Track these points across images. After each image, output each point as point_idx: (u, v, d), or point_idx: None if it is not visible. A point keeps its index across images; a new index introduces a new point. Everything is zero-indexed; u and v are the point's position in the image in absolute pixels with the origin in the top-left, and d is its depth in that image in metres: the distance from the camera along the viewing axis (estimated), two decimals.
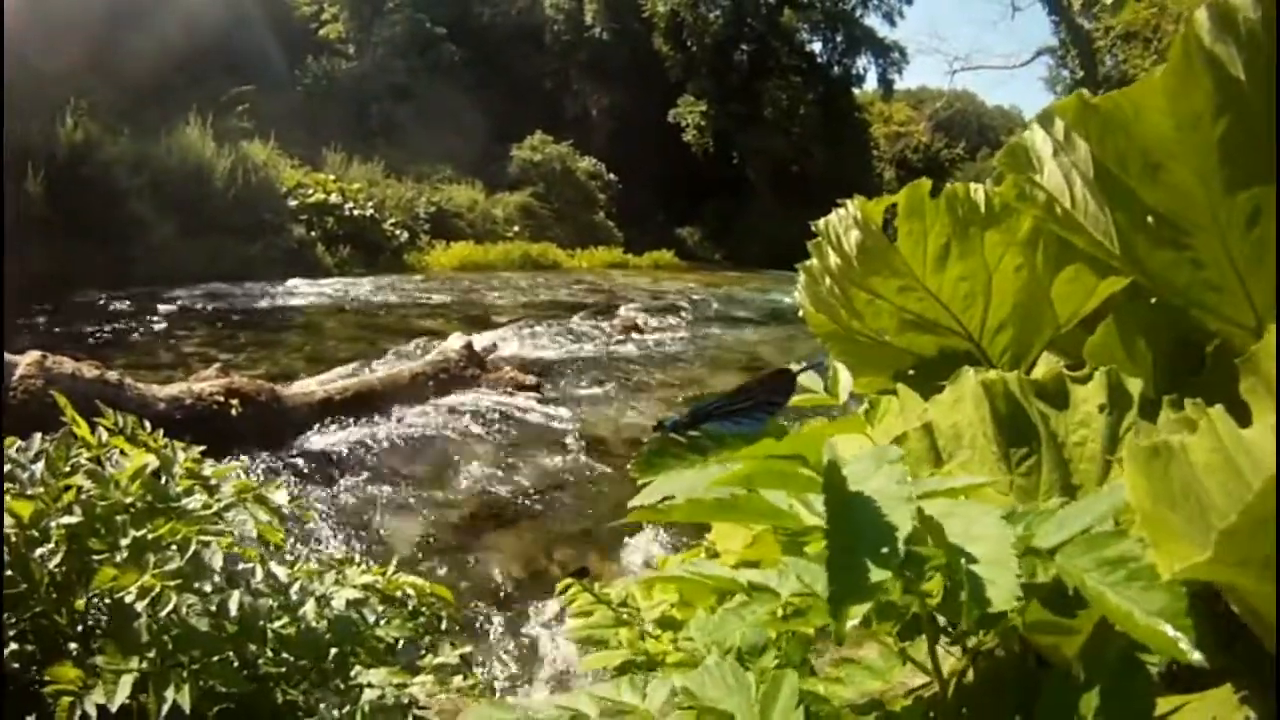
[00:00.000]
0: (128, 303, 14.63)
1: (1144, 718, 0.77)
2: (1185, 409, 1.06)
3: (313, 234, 23.16)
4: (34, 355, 6.71)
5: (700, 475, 0.90)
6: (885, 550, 0.69)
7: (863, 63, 50.94)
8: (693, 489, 0.86)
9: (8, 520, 1.74)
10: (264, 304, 16.33)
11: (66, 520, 1.77)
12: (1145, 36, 32.56)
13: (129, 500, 1.83)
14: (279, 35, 32.30)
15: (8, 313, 10.99)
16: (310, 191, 24.21)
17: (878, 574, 0.68)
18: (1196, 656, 0.65)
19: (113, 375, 7.16)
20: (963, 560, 0.75)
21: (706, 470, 0.90)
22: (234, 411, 7.53)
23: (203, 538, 1.80)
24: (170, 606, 1.67)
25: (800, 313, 2.29)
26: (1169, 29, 30.48)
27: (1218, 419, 0.81)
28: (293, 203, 23.50)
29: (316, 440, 7.98)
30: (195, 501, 1.89)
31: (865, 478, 0.77)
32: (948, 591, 0.84)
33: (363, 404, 8.82)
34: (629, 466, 0.96)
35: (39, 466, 1.90)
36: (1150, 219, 1.37)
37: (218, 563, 1.79)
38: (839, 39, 49.93)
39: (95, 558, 1.77)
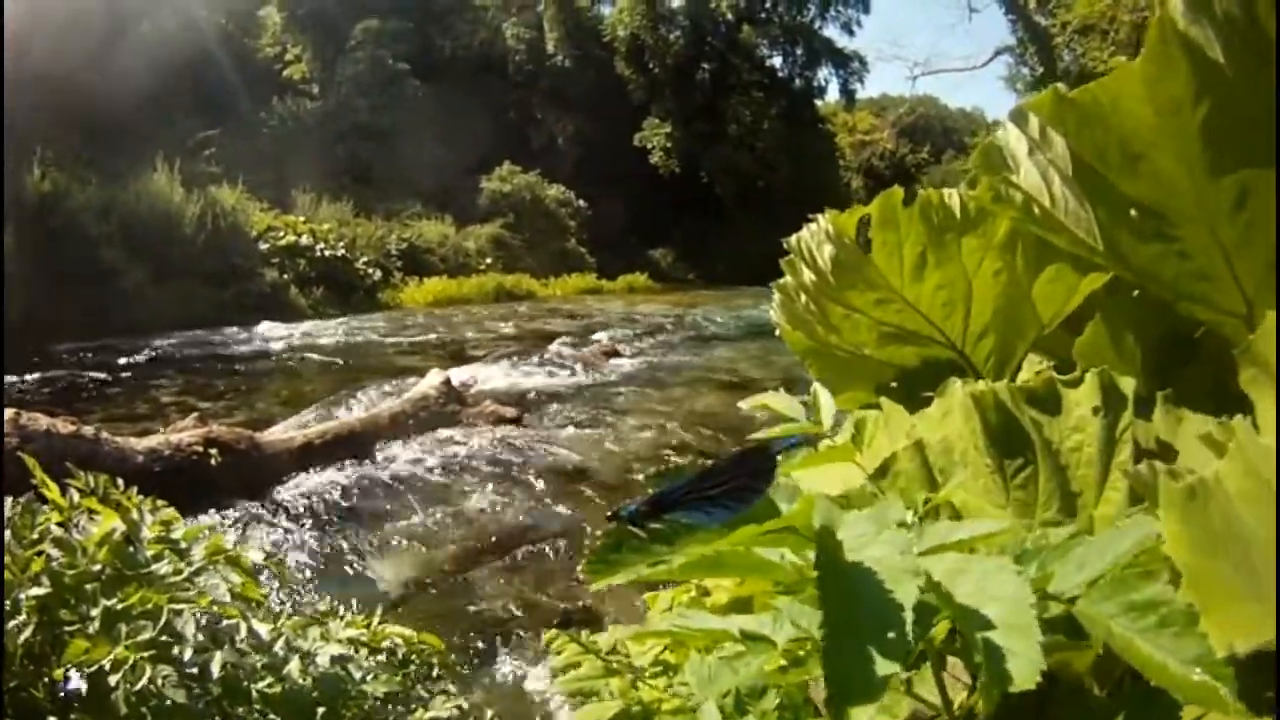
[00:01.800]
0: (102, 353, 14.54)
1: None
2: (1203, 423, 1.02)
3: (285, 277, 23.12)
4: (8, 413, 6.62)
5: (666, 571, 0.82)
6: (891, 636, 0.62)
7: (824, 74, 51.53)
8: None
9: None
10: (239, 349, 16.25)
11: (35, 591, 1.71)
12: (1102, 29, 32.89)
13: (98, 567, 1.77)
14: (243, 77, 32.33)
15: None
16: (281, 234, 24.19)
17: (885, 666, 0.61)
18: (1241, 708, 0.60)
19: (88, 430, 7.07)
20: (977, 628, 0.67)
21: (675, 565, 0.82)
22: (213, 461, 7.45)
23: (174, 605, 1.74)
24: (145, 679, 1.61)
25: (777, 331, 2.25)
26: (1125, 20, 30.82)
27: (1243, 436, 0.76)
28: (264, 246, 23.48)
29: (298, 486, 7.89)
30: (165, 566, 1.84)
31: (864, 545, 0.71)
32: (953, 636, 0.79)
33: (343, 447, 8.74)
34: (579, 569, 0.86)
35: (5, 535, 1.84)
36: (1133, 211, 1.35)
37: (190, 630, 1.73)
38: (799, 52, 50.37)
39: (67, 629, 1.71)
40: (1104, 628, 0.69)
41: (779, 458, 1.00)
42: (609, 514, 0.93)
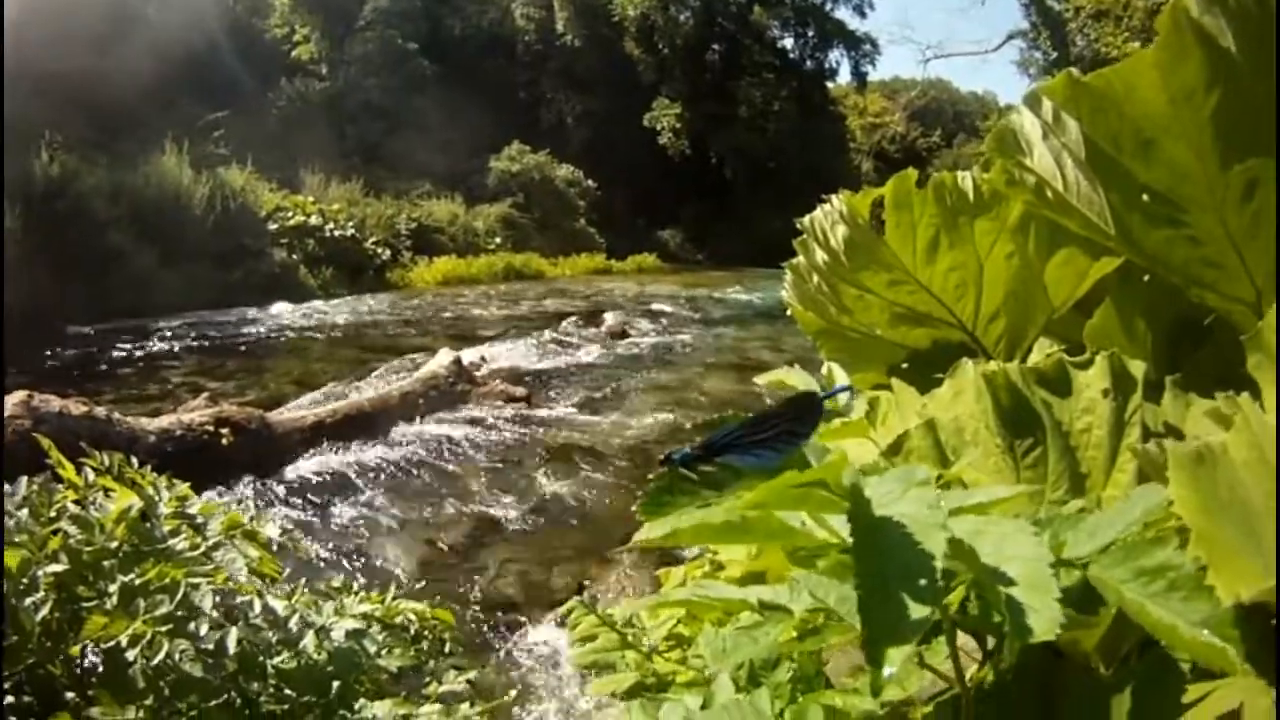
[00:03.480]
0: (113, 335, 14.53)
1: (1176, 713, 0.75)
2: (1202, 397, 1.03)
3: (294, 257, 23.06)
4: (20, 395, 6.64)
5: (715, 515, 0.82)
6: (923, 583, 0.64)
7: (835, 56, 51.24)
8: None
9: None
10: (249, 330, 16.23)
11: (54, 568, 1.73)
12: (1115, 15, 32.66)
13: (115, 544, 1.79)
14: (251, 59, 32.22)
15: None
16: (290, 214, 24.12)
17: (917, 610, 0.62)
18: (1248, 669, 0.62)
19: (101, 411, 7.09)
20: (999, 585, 0.69)
21: (722, 509, 0.82)
22: (225, 441, 7.47)
23: (192, 580, 1.75)
24: (163, 653, 1.63)
25: (788, 311, 2.26)
26: (1139, 5, 30.62)
27: (1249, 411, 0.77)
28: (273, 226, 23.40)
29: (309, 465, 7.92)
30: (182, 542, 1.85)
31: (892, 501, 0.72)
32: (967, 602, 0.80)
33: (354, 426, 8.76)
34: (634, 508, 0.87)
35: (24, 513, 1.85)
36: (1145, 197, 1.35)
37: (208, 604, 1.75)
38: (810, 34, 50.07)
39: (84, 605, 1.72)
40: (1116, 592, 0.71)
41: (824, 404, 1.03)
42: (661, 458, 0.95)
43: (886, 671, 0.60)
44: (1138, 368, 1.26)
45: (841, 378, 1.43)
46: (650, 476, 0.91)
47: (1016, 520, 0.75)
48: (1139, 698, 0.76)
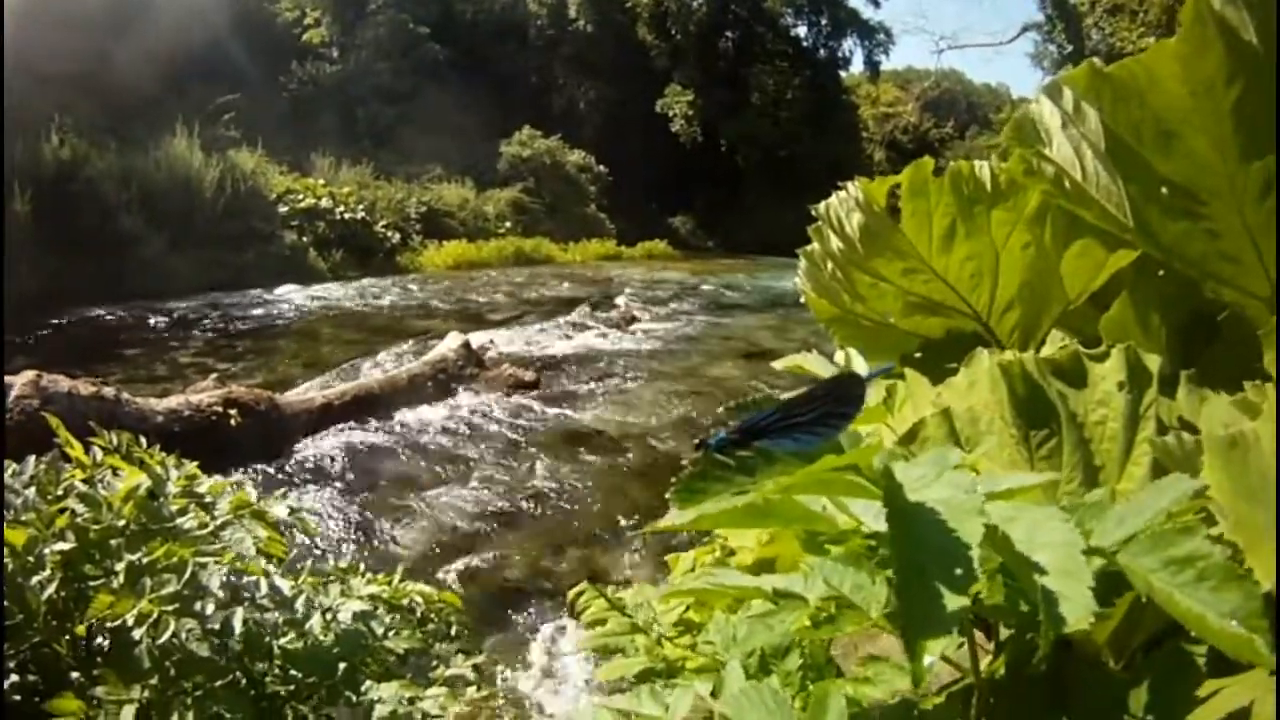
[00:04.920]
0: (122, 317, 14.58)
1: (1191, 710, 0.74)
2: (1226, 403, 1.02)
3: (304, 239, 23.08)
4: (29, 375, 6.66)
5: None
6: (959, 571, 0.63)
7: (848, 45, 51.03)
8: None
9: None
10: (259, 312, 16.26)
11: (60, 546, 1.73)
12: (1131, 9, 32.50)
13: (122, 523, 1.79)
14: (262, 42, 32.16)
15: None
16: (300, 197, 24.12)
17: (954, 601, 0.61)
18: (1275, 660, 0.61)
19: (109, 391, 7.11)
20: (1032, 572, 0.68)
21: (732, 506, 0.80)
22: (233, 422, 7.49)
23: (199, 559, 1.75)
24: (169, 632, 1.63)
25: (801, 298, 2.25)
26: (1155, 0, 30.47)
27: (1274, 401, 0.77)
28: (283, 209, 23.40)
29: (317, 447, 7.94)
30: (190, 521, 1.85)
31: (925, 485, 0.71)
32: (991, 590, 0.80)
33: (362, 408, 8.79)
34: (668, 495, 0.84)
35: (31, 492, 1.85)
36: (1164, 189, 1.34)
37: (215, 584, 1.74)
38: (824, 22, 49.89)
39: (91, 584, 1.72)
40: (1145, 581, 0.70)
41: (866, 384, 0.99)
42: (696, 443, 0.91)
43: (927, 661, 0.60)
44: (1153, 361, 1.26)
45: (860, 364, 1.41)
46: (685, 461, 0.88)
47: (1048, 507, 0.74)
48: (1155, 693, 0.75)
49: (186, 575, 1.70)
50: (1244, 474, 0.71)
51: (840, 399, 0.91)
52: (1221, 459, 0.72)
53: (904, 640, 0.61)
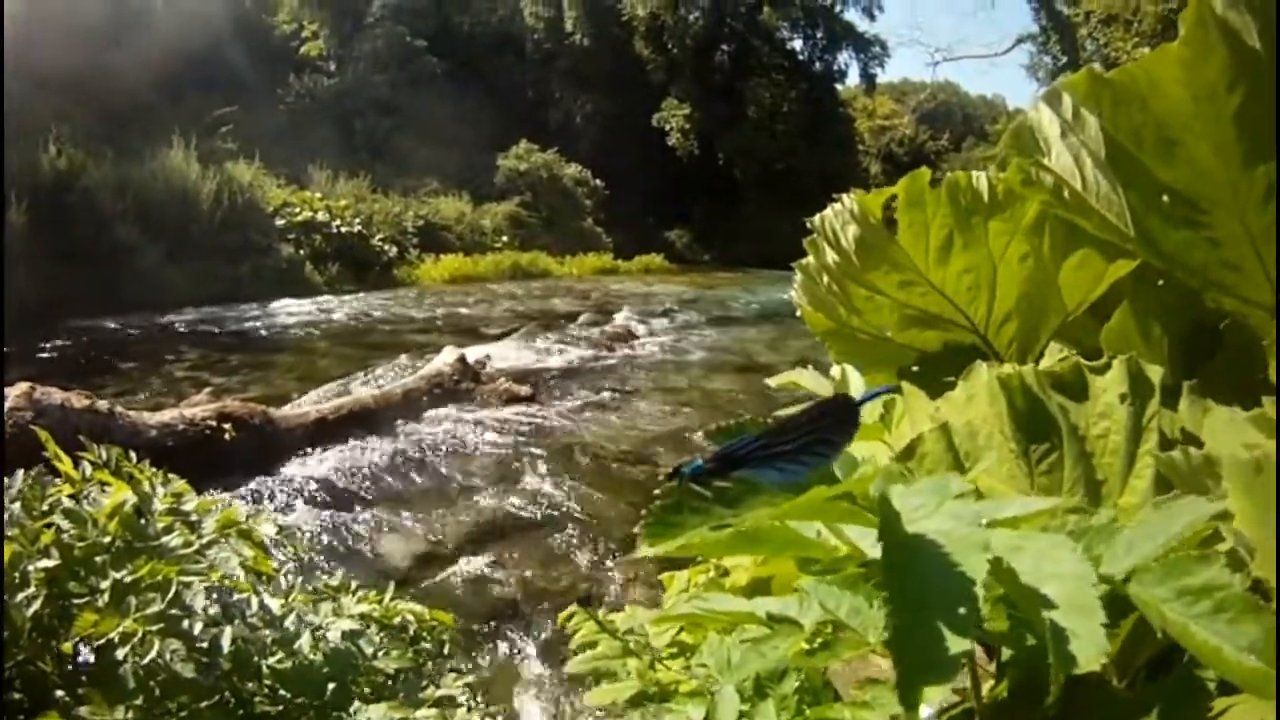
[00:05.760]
0: (117, 329, 14.57)
1: None
2: (1229, 414, 1.00)
3: (301, 253, 23.10)
4: (22, 387, 6.63)
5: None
6: (962, 611, 0.58)
7: (844, 58, 51.30)
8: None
9: None
10: (254, 325, 16.25)
11: (45, 563, 1.70)
12: (1125, 19, 32.67)
13: (108, 539, 1.76)
14: (260, 54, 32.28)
15: None
16: (297, 210, 24.15)
17: (956, 644, 0.57)
18: None
19: (103, 404, 7.08)
20: (1039, 607, 0.63)
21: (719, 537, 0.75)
22: (227, 436, 7.46)
23: (184, 578, 1.73)
24: (154, 652, 1.60)
25: (797, 312, 2.23)
26: (1149, 10, 30.61)
27: None
28: (280, 222, 23.43)
29: (311, 461, 7.91)
30: (176, 539, 1.83)
31: (925, 515, 0.68)
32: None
33: (357, 422, 8.76)
34: (636, 530, 0.78)
35: (16, 507, 1.83)
36: (1165, 197, 1.32)
37: (200, 603, 1.72)
38: (819, 35, 50.13)
39: (76, 602, 1.70)
40: (1157, 611, 0.66)
41: (859, 409, 0.92)
42: (670, 471, 0.84)
43: (924, 713, 0.56)
44: (1155, 372, 1.24)
45: (856, 380, 1.39)
46: (656, 492, 0.81)
47: (1055, 535, 0.71)
48: (1165, 717, 0.72)
49: (171, 594, 1.68)
50: (1266, 499, 0.68)
51: (830, 425, 0.85)
52: (1246, 484, 0.68)
53: (898, 686, 0.57)
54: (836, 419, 0.85)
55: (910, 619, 0.59)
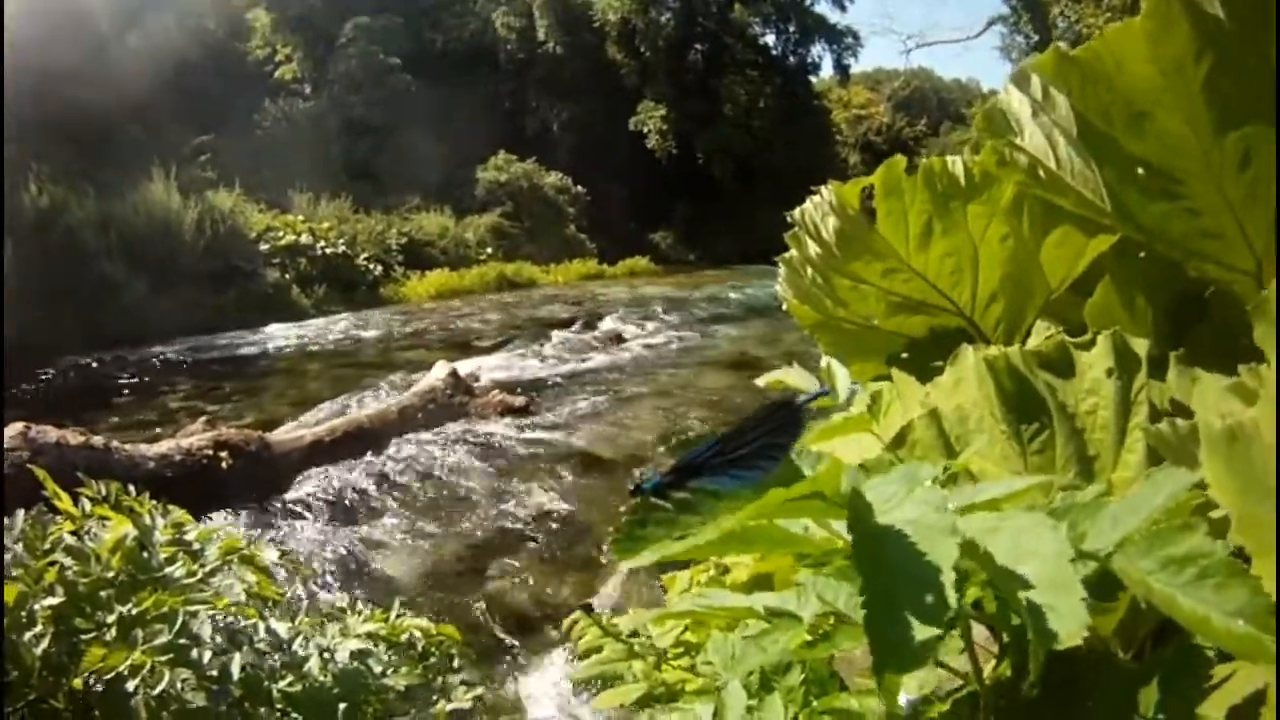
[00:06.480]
0: (108, 363, 14.53)
1: (1204, 698, 0.72)
2: (1217, 382, 1.01)
3: (286, 277, 23.04)
4: (18, 426, 6.63)
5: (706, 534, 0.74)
6: (930, 600, 0.59)
7: (817, 50, 51.25)
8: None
9: None
10: (245, 352, 16.22)
11: (50, 601, 1.70)
12: None
13: (111, 574, 1.77)
14: (234, 81, 32.26)
15: None
16: (280, 234, 24.09)
17: (924, 631, 0.58)
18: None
19: (99, 440, 7.08)
20: (1017, 587, 0.64)
21: (707, 530, 0.74)
22: (224, 464, 7.45)
23: (190, 608, 1.73)
24: (164, 683, 1.60)
25: (783, 306, 2.24)
26: None
27: (1271, 385, 0.74)
28: (264, 247, 23.37)
29: (309, 484, 7.90)
30: (179, 569, 1.83)
31: (894, 505, 0.68)
32: (982, 596, 0.78)
33: (353, 443, 8.75)
34: (606, 545, 0.79)
35: (19, 547, 1.83)
36: (1140, 170, 1.33)
37: (207, 632, 1.72)
38: (791, 29, 50.12)
39: (83, 637, 1.70)
40: (1143, 584, 0.67)
41: (804, 410, 0.93)
42: (630, 488, 0.86)
43: (902, 699, 0.57)
44: (1141, 345, 1.24)
45: (841, 374, 1.39)
46: (623, 509, 0.83)
47: (1033, 514, 0.71)
48: (1167, 687, 0.73)
49: (178, 624, 1.68)
50: (1247, 469, 0.68)
51: (776, 429, 0.86)
52: (1222, 453, 0.69)
53: (875, 674, 0.58)
54: (782, 421, 0.87)
55: (880, 610, 0.59)
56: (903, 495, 0.70)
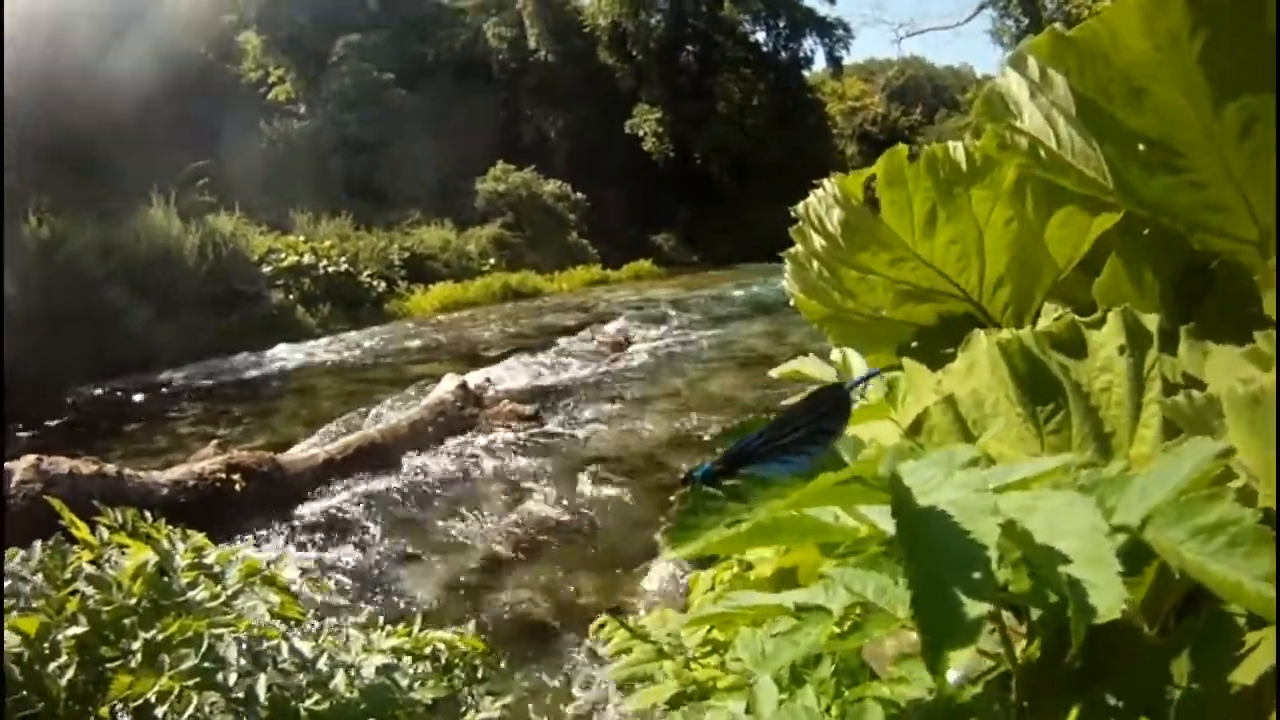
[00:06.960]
0: (117, 391, 14.54)
1: (1233, 668, 0.72)
2: (1229, 353, 1.01)
3: (290, 297, 23.05)
4: (29, 459, 6.66)
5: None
6: (977, 576, 0.60)
7: (809, 44, 51.27)
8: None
9: (14, 639, 1.68)
10: (253, 374, 16.23)
11: (73, 631, 1.71)
12: None
13: (134, 601, 1.77)
14: (229, 104, 32.26)
15: None
16: (282, 255, 24.10)
17: (974, 608, 0.58)
18: None
19: (111, 468, 7.10)
20: (1055, 564, 0.65)
21: (754, 525, 0.75)
22: (238, 486, 7.47)
23: (214, 630, 1.73)
24: (192, 708, 1.60)
25: (791, 301, 2.24)
26: None
27: None
28: (266, 269, 23.39)
29: (324, 503, 7.92)
30: (201, 593, 1.83)
31: (934, 487, 0.69)
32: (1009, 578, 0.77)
33: (366, 459, 8.76)
34: (658, 536, 0.80)
35: (39, 578, 1.84)
36: (1141, 146, 1.33)
37: (233, 654, 1.72)
38: (782, 24, 50.15)
39: (109, 665, 1.70)
40: (1174, 553, 0.67)
41: (853, 394, 0.94)
42: (682, 477, 0.88)
43: (951, 676, 0.57)
44: (1151, 321, 1.24)
45: (857, 362, 1.39)
46: (672, 498, 0.84)
47: (1066, 492, 0.72)
48: (1199, 655, 0.73)
49: (204, 648, 1.68)
50: (1271, 431, 0.69)
51: (827, 414, 0.88)
52: (1245, 417, 0.69)
53: (924, 654, 0.58)
54: (830, 407, 0.88)
55: (928, 589, 0.60)
56: (941, 478, 0.70)
